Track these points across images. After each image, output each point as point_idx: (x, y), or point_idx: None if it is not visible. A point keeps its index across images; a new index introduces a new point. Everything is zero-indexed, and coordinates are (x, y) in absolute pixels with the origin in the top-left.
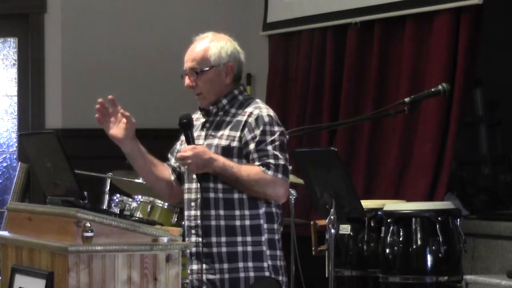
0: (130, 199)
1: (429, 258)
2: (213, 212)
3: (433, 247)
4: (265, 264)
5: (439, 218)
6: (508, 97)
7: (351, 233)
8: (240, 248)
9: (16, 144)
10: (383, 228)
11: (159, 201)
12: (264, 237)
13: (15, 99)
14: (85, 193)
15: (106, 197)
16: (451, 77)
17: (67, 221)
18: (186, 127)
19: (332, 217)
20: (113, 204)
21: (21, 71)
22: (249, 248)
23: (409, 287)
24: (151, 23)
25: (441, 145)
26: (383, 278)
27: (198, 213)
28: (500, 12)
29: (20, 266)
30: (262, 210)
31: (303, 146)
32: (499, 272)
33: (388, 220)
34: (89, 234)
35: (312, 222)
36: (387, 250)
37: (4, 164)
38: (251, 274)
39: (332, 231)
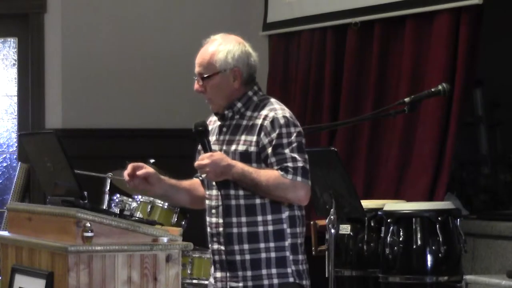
0: (130, 199)
1: (429, 258)
2: (234, 220)
3: (433, 247)
4: (289, 270)
5: (439, 218)
6: (508, 97)
7: (351, 233)
8: (263, 255)
9: (16, 144)
10: (383, 228)
11: (159, 201)
12: (288, 242)
13: (15, 99)
14: (85, 193)
15: (106, 197)
16: (451, 77)
17: (67, 221)
18: (202, 135)
19: (332, 217)
20: (113, 204)
21: (21, 71)
22: (273, 254)
23: (409, 287)
24: (151, 23)
25: (441, 145)
26: (383, 278)
27: (220, 220)
28: (500, 12)
29: (20, 266)
30: (285, 214)
31: None
32: (499, 272)
33: (388, 220)
34: (89, 234)
35: (312, 222)
36: (387, 250)
37: (4, 164)
38: (275, 281)
39: (332, 231)
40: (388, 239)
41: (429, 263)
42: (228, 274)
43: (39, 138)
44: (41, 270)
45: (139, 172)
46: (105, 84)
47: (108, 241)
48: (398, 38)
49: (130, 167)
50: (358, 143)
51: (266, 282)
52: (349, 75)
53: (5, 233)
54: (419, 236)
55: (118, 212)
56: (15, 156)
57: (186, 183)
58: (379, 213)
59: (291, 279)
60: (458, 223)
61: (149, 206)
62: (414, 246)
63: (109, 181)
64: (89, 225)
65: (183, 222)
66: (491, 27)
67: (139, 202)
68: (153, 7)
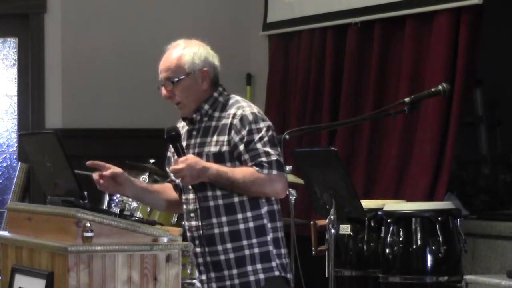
0: (130, 199)
1: (429, 258)
2: (215, 220)
3: (433, 247)
4: (274, 264)
5: (439, 218)
6: (508, 97)
7: (351, 233)
8: (247, 252)
9: (16, 144)
10: (383, 228)
11: None
12: (269, 237)
13: (15, 99)
14: (85, 193)
15: (106, 197)
16: (451, 77)
17: (67, 221)
18: (174, 139)
19: (332, 217)
20: (113, 204)
21: (21, 71)
22: (256, 250)
23: (409, 287)
24: (151, 23)
25: (441, 145)
26: (383, 278)
27: (200, 223)
28: (500, 12)
29: (20, 266)
30: (264, 210)
31: (303, 146)
32: (499, 272)
33: (388, 220)
34: (89, 234)
35: (312, 222)
36: (387, 250)
37: (4, 164)
38: (261, 276)
39: (332, 231)
40: (388, 239)
41: (429, 263)
42: (213, 275)
43: (39, 138)
44: (41, 270)
45: (105, 172)
46: (105, 84)
47: (108, 241)
48: (398, 38)
49: (93, 165)
50: (358, 143)
51: (252, 278)
52: (349, 75)
53: (5, 233)
54: (419, 236)
55: (118, 212)
56: (15, 156)
57: (157, 186)
58: (379, 213)
59: (276, 273)
60: (458, 223)
61: None
62: (414, 246)
63: None
64: (89, 225)
65: (183, 222)
66: (491, 27)
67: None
68: (154, 8)
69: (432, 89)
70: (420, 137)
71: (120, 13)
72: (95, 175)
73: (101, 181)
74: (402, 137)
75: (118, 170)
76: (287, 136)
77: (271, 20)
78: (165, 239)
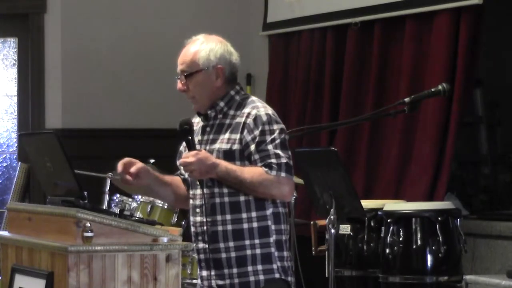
0: (130, 199)
1: (429, 258)
2: (219, 218)
3: (433, 247)
4: (274, 266)
5: (439, 218)
6: (508, 97)
7: (351, 233)
8: (248, 252)
9: (16, 144)
10: (383, 228)
11: (159, 201)
12: (272, 239)
13: (15, 99)
14: (85, 193)
15: (106, 197)
16: (451, 77)
17: (67, 221)
18: (187, 133)
19: (332, 217)
20: (113, 204)
21: (21, 71)
22: (258, 251)
23: (409, 287)
24: (151, 23)
25: (441, 145)
26: (383, 278)
27: (205, 219)
28: (500, 12)
29: (20, 266)
30: (269, 211)
31: (303, 146)
32: (499, 272)
33: (388, 220)
34: (89, 234)
35: (312, 222)
36: (387, 250)
37: (4, 164)
38: (261, 277)
39: (332, 231)
40: (388, 239)
41: (429, 263)
42: (213, 273)
43: (39, 138)
44: (41, 270)
45: (132, 170)
46: (105, 84)
47: (108, 241)
48: (398, 38)
49: (121, 165)
50: (358, 143)
51: (252, 278)
52: (349, 75)
53: (5, 233)
54: (419, 236)
55: (118, 212)
56: (15, 156)
57: (167, 177)
58: (379, 213)
59: (276, 275)
60: (458, 223)
61: (149, 206)
62: (414, 246)
63: (109, 181)
64: (89, 225)
65: (183, 222)
66: (491, 27)
67: (139, 202)
68: (153, 7)
69: (432, 89)
70: (420, 137)
71: (120, 13)
72: (123, 173)
73: (134, 180)
74: (402, 137)
75: (140, 164)
76: (287, 136)
77: (271, 20)
78: (165, 239)
